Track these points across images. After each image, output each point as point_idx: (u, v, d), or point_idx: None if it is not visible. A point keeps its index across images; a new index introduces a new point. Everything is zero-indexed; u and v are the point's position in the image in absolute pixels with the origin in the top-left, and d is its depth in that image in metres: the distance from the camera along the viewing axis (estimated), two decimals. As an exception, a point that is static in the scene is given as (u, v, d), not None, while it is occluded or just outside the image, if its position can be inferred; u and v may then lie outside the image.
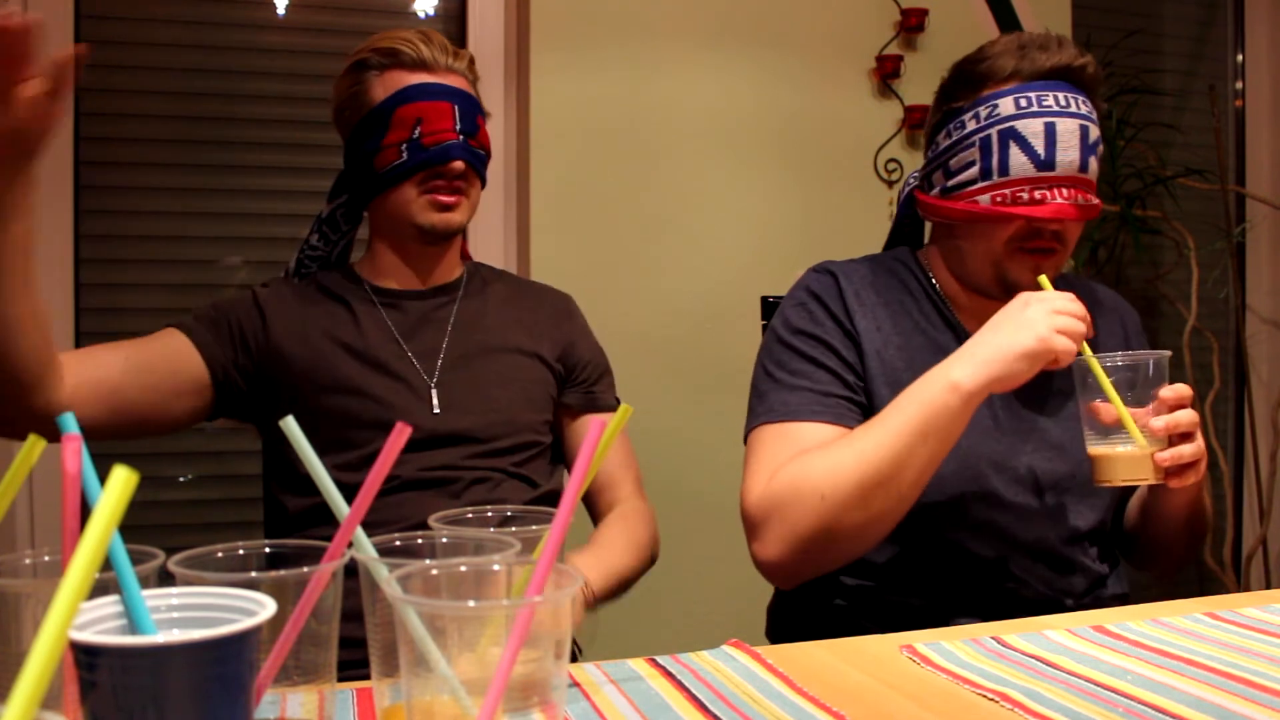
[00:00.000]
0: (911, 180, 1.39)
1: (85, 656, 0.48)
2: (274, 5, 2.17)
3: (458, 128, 1.36)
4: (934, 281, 1.32)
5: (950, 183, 1.25)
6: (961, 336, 1.27)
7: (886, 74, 2.35)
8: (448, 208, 1.38)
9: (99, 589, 0.54)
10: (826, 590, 1.30)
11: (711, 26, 2.26)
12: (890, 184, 2.38)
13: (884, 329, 1.27)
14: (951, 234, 1.29)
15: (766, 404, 1.25)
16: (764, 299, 1.53)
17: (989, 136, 1.21)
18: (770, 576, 1.20)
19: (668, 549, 2.13)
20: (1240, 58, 2.97)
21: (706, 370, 2.25)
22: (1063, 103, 1.20)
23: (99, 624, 0.53)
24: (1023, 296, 1.14)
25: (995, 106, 1.21)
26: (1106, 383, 1.12)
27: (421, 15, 2.26)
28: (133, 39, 2.10)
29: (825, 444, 1.16)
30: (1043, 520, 1.24)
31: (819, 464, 1.13)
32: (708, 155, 2.27)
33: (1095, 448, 1.14)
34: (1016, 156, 1.19)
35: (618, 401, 1.52)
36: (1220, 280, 2.83)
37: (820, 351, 1.25)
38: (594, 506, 1.49)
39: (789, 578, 1.19)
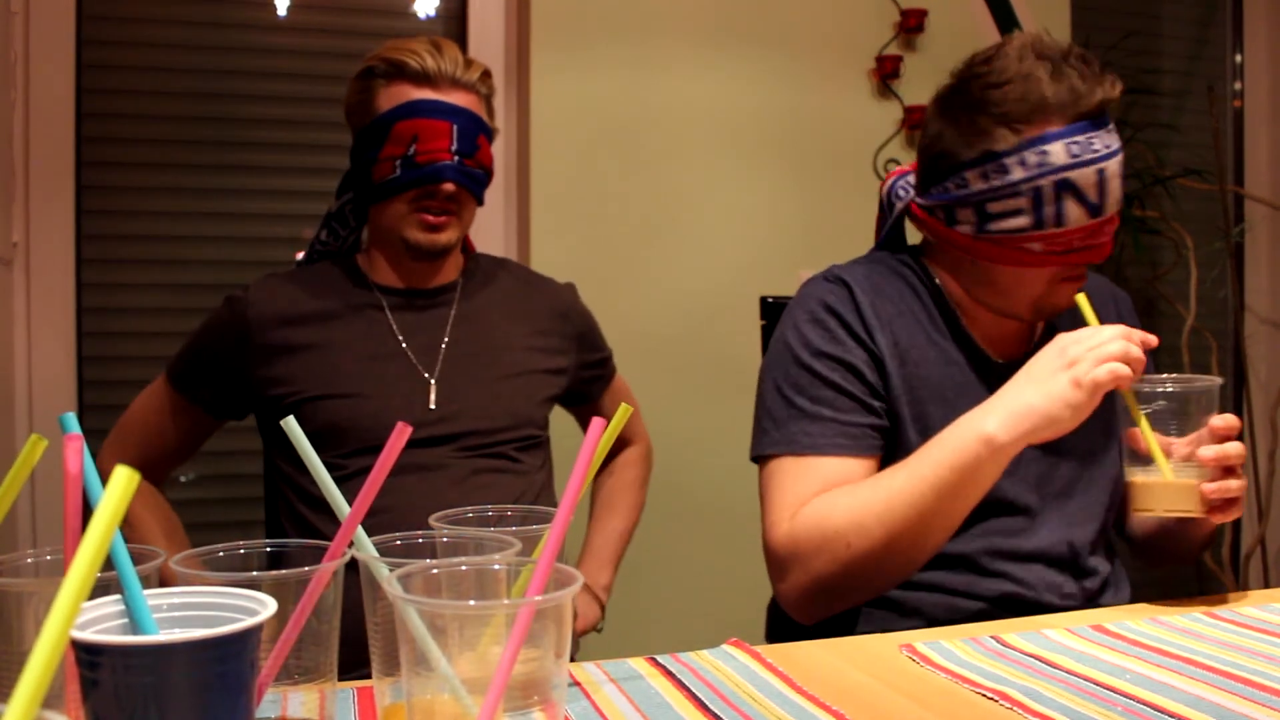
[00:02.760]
0: (902, 193, 1.30)
1: (87, 655, 0.48)
2: (274, 6, 2.17)
3: (453, 148, 1.35)
4: (941, 290, 1.26)
5: (992, 227, 1.16)
6: (971, 349, 1.24)
7: (886, 74, 2.35)
8: (435, 228, 1.38)
9: (100, 588, 0.54)
10: None
11: (711, 26, 2.27)
12: (890, 184, 2.38)
13: (900, 343, 1.21)
14: (978, 267, 1.21)
15: (786, 433, 1.18)
16: (764, 299, 1.53)
17: (1040, 188, 1.12)
18: (792, 614, 1.17)
19: (667, 549, 2.14)
20: (1239, 58, 2.97)
21: (706, 370, 2.25)
22: (1108, 144, 1.13)
23: (100, 623, 0.53)
24: (1060, 342, 1.06)
25: (1045, 154, 1.12)
26: (1139, 415, 1.06)
27: (422, 16, 2.26)
28: (133, 39, 2.10)
29: (851, 484, 1.12)
30: (1048, 525, 1.22)
31: (843, 509, 1.09)
32: (708, 155, 2.27)
33: (1136, 475, 1.08)
34: (1073, 209, 1.12)
35: (613, 362, 1.64)
36: (1219, 280, 2.83)
37: (842, 375, 1.18)
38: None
39: (811, 616, 1.16)
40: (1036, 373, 1.06)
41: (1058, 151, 1.12)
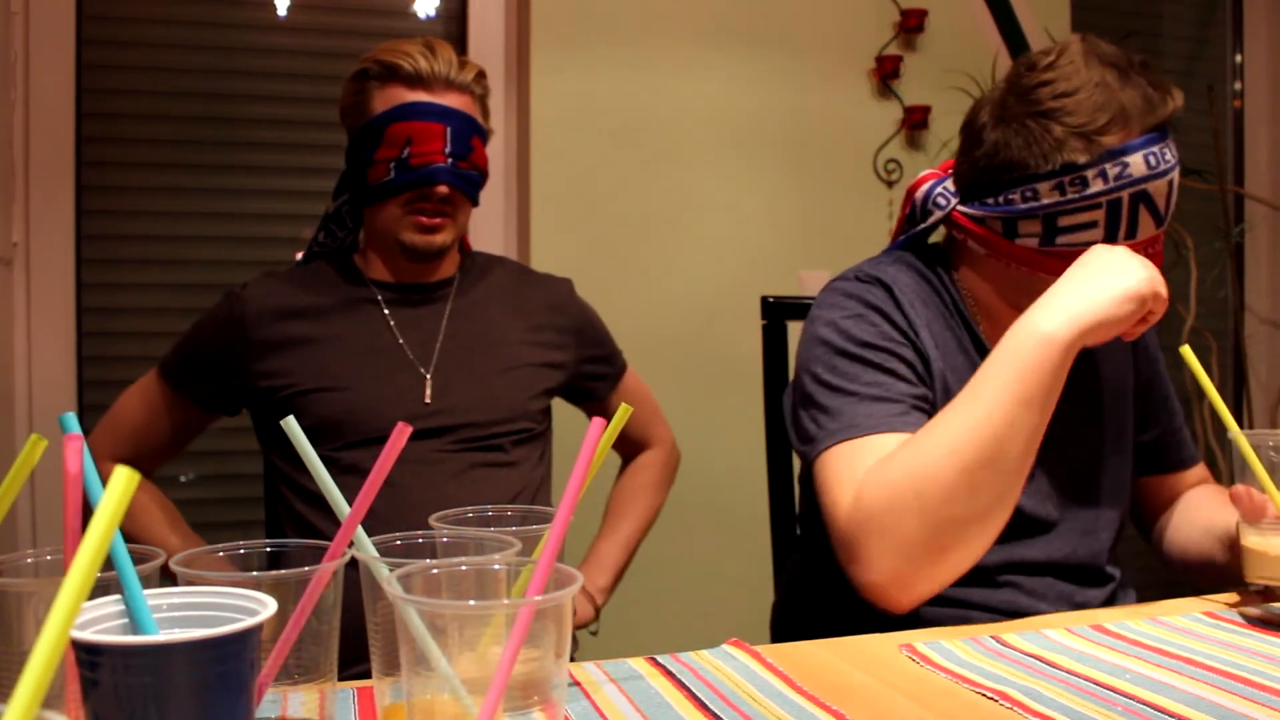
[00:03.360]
0: (941, 200, 1.25)
1: (87, 655, 0.48)
2: (274, 6, 2.17)
3: (447, 150, 1.36)
4: (963, 305, 1.23)
5: (1061, 240, 1.13)
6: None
7: (886, 74, 2.36)
8: (430, 229, 1.39)
9: (100, 588, 0.54)
10: (833, 593, 1.28)
11: (711, 26, 2.27)
12: (890, 184, 2.38)
13: (939, 345, 1.18)
14: (1034, 279, 1.17)
15: (842, 420, 1.10)
16: (764, 299, 1.53)
17: (1119, 200, 1.10)
18: (881, 600, 1.02)
19: (668, 549, 2.14)
20: (1239, 58, 2.97)
21: (706, 370, 2.25)
22: (1174, 153, 1.13)
23: (100, 623, 0.53)
24: (1096, 247, 1.06)
25: (1125, 166, 1.09)
26: (1259, 467, 0.98)
27: (422, 16, 2.26)
28: (133, 39, 2.10)
29: (907, 441, 1.04)
30: (1063, 535, 1.19)
31: (902, 460, 1.01)
32: (708, 155, 2.27)
33: (1252, 540, 0.99)
34: (1145, 220, 1.11)
35: (623, 360, 1.64)
36: (1219, 280, 2.83)
37: (894, 363, 1.13)
38: (622, 454, 1.69)
39: (901, 598, 1.02)
40: (1086, 271, 1.03)
41: (1137, 163, 1.10)
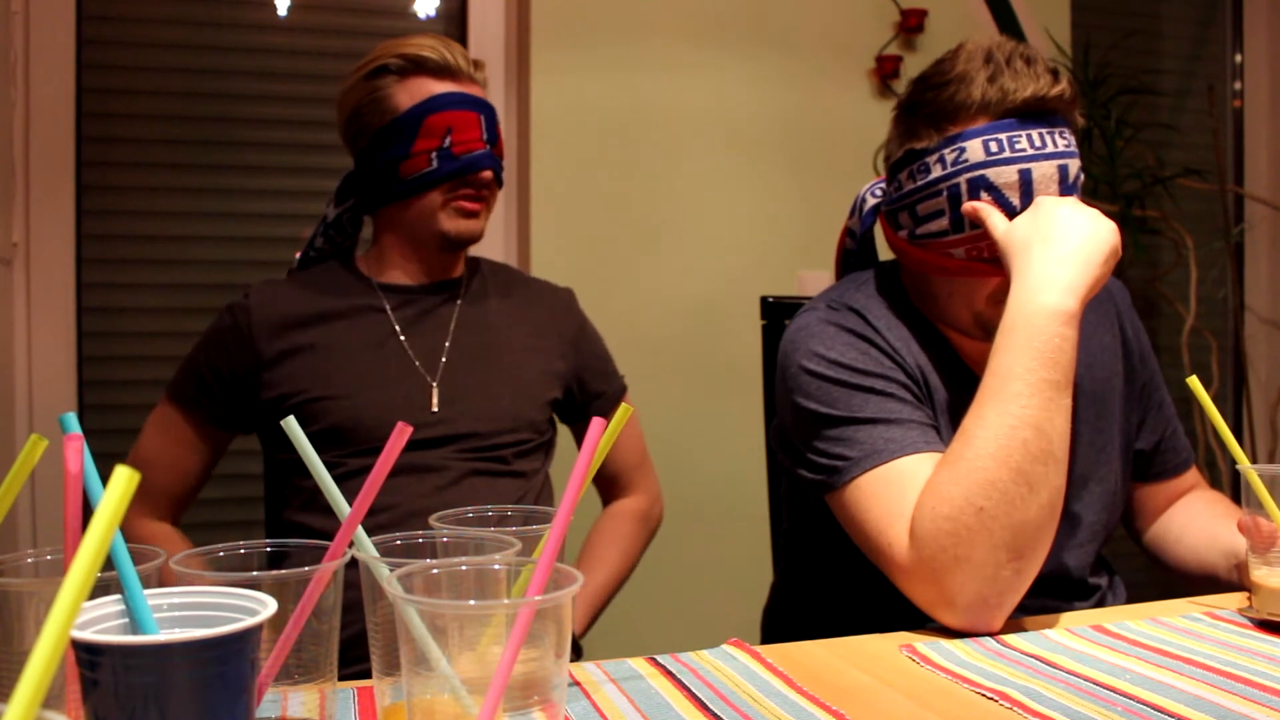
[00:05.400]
0: (869, 196, 1.27)
1: (87, 655, 0.48)
2: (274, 6, 2.17)
3: (485, 137, 1.39)
4: (925, 317, 1.21)
5: (919, 230, 1.13)
6: (961, 369, 1.18)
7: (886, 74, 2.36)
8: (472, 214, 1.41)
9: (100, 588, 0.54)
10: (823, 598, 1.28)
11: (711, 26, 2.27)
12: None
13: (920, 363, 1.16)
14: (918, 276, 1.18)
15: (862, 448, 1.05)
16: (764, 299, 1.53)
17: (958, 186, 1.08)
18: (975, 628, 0.96)
19: (667, 549, 2.14)
20: (1239, 58, 2.97)
21: (706, 370, 2.25)
22: (1038, 143, 1.07)
23: (101, 623, 0.53)
24: (1042, 203, 1.04)
25: (962, 151, 1.08)
26: (1270, 502, 0.96)
27: (422, 16, 2.26)
28: (133, 39, 2.10)
29: (944, 460, 0.99)
30: (1051, 552, 1.13)
31: (955, 479, 0.95)
32: (707, 155, 2.27)
33: (1261, 574, 0.97)
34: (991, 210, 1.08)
35: (623, 381, 1.59)
36: (1219, 280, 2.83)
37: (893, 387, 1.10)
38: (602, 494, 1.62)
39: (994, 620, 0.96)
40: (1052, 235, 1.01)
41: (974, 149, 1.08)
